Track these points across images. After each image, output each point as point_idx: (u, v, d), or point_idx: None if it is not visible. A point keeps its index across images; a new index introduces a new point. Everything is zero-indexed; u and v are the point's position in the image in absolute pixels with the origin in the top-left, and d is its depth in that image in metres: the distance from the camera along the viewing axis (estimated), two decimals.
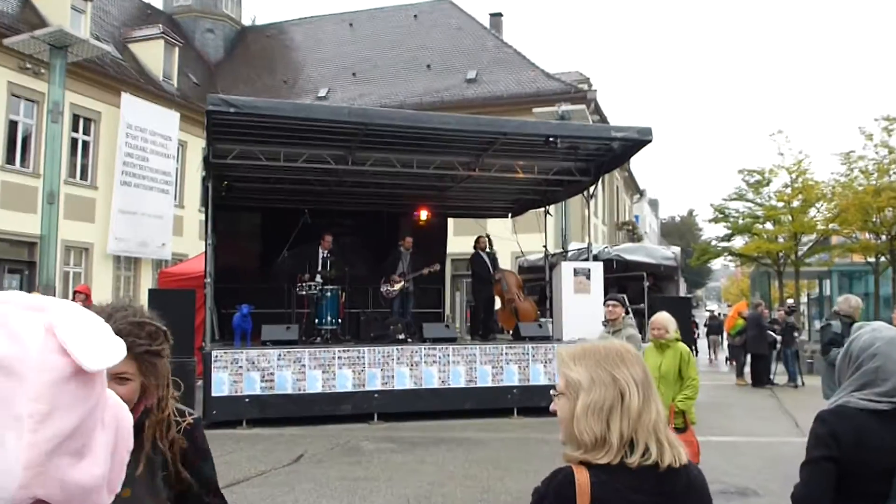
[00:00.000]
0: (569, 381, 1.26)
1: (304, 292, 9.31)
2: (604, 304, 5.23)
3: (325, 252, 9.64)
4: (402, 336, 8.91)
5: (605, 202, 24.84)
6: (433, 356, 8.43)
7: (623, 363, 1.26)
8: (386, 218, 12.02)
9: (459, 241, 13.54)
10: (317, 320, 9.24)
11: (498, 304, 10.84)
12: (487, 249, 10.34)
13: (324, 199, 11.17)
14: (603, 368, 1.25)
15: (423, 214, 11.71)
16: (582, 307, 8.90)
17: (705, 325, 23.11)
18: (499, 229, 12.37)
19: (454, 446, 6.69)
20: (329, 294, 9.11)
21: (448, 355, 8.47)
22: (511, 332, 10.17)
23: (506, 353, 8.67)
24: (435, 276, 10.74)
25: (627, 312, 5.18)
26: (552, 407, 1.29)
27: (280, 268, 9.68)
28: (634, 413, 1.22)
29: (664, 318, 4.43)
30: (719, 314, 24.90)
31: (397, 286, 9.94)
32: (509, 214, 12.89)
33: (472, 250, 10.37)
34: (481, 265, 10.29)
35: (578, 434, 1.22)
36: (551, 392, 1.31)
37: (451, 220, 13.66)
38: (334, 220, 11.57)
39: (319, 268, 9.68)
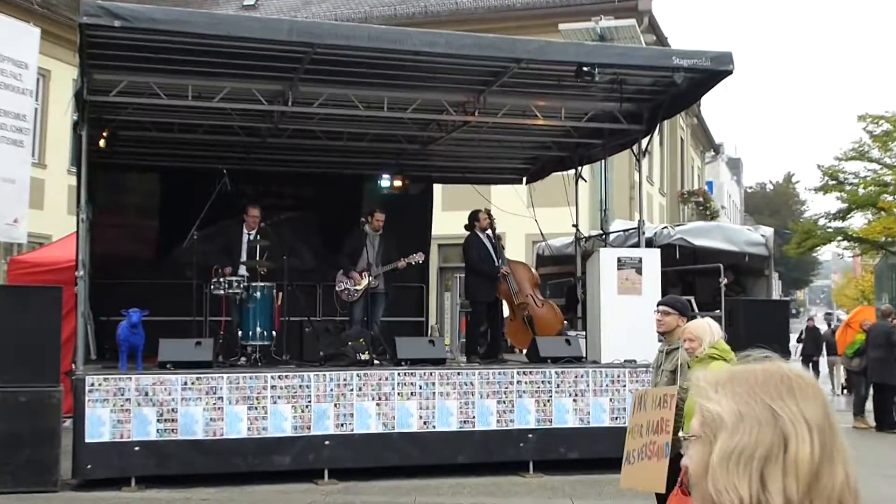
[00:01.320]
0: (706, 417, 1.19)
1: (221, 291, 9.35)
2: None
3: (253, 233, 9.89)
4: (365, 356, 8.96)
5: (665, 162, 24.88)
6: (411, 386, 8.51)
7: (791, 394, 1.17)
8: (343, 184, 12.23)
9: (450, 218, 13.87)
10: (241, 333, 9.36)
11: (506, 310, 10.98)
12: (491, 231, 10.44)
13: (252, 155, 11.35)
14: (758, 400, 1.17)
15: (398, 180, 11.96)
16: (630, 314, 8.98)
17: (800, 340, 21.70)
18: (508, 201, 12.52)
19: None
20: (259, 294, 9.26)
21: (433, 384, 8.57)
22: (525, 351, 10.34)
23: (517, 382, 8.77)
24: (416, 269, 10.96)
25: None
26: (683, 461, 1.22)
27: (186, 256, 9.78)
28: (805, 469, 1.13)
29: (698, 327, 4.69)
30: (831, 323, 23.90)
31: (360, 284, 10.10)
32: (523, 180, 13.06)
33: (469, 232, 10.50)
34: (482, 253, 10.37)
35: (715, 495, 1.13)
36: (681, 436, 1.24)
37: (438, 189, 13.93)
38: (267, 188, 11.88)
39: (244, 256, 9.81)
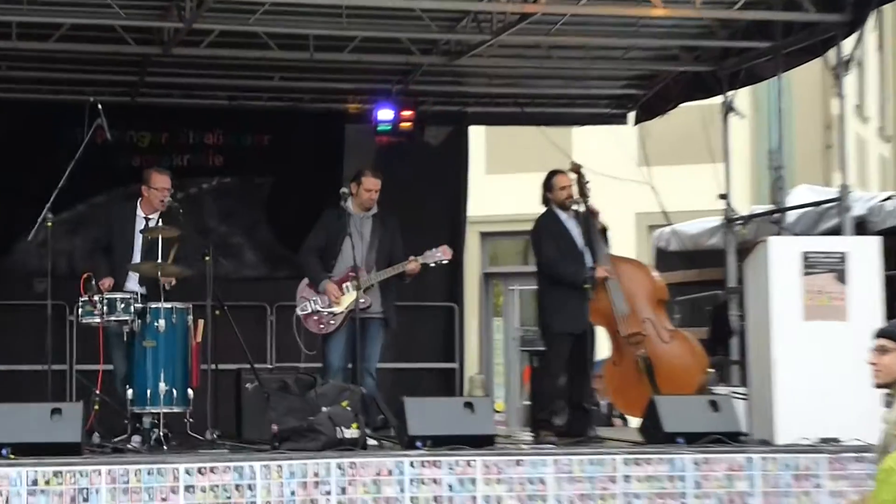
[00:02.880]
0: None
1: (96, 318, 9.12)
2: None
3: (154, 217, 9.66)
4: (351, 432, 8.74)
5: (890, 83, 24.50)
6: (434, 485, 8.28)
7: None
8: (309, 129, 12.75)
9: (501, 186, 13.05)
10: (131, 392, 9.09)
11: (604, 346, 10.82)
12: (581, 206, 10.42)
13: (149, 78, 11.64)
14: None
15: (405, 121, 12.31)
16: (827, 354, 9.04)
17: None
18: (603, 157, 13.09)
19: None
20: (164, 324, 9.11)
21: (471, 482, 8.34)
22: (643, 418, 9.95)
23: (624, 479, 8.56)
24: (440, 274, 11.27)
25: None
26: None
27: (33, 257, 10.28)
28: None
29: None
30: None
31: (341, 303, 9.89)
32: (630, 117, 13.36)
33: (543, 208, 10.52)
34: (563, 246, 10.29)
35: None
36: None
37: (479, 136, 14.90)
38: (176, 136, 12.30)
39: (138, 257, 9.63)
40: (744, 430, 9.27)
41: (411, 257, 9.92)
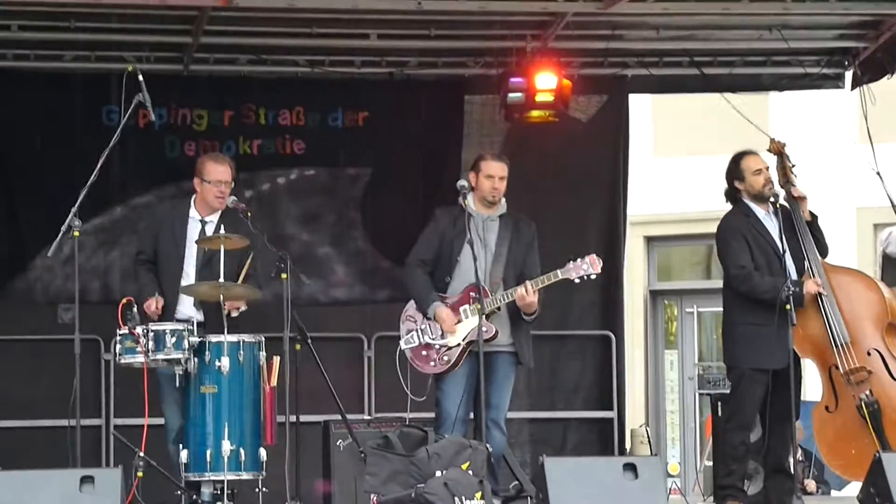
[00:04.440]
0: None
1: (139, 357, 9.21)
2: None
3: (213, 221, 9.86)
4: None
5: None
6: None
7: None
8: (416, 97, 12.91)
9: (674, 173, 12.85)
10: (188, 453, 9.16)
11: (815, 386, 10.90)
12: (784, 199, 10.46)
13: (205, 39, 11.72)
14: None
15: (546, 91, 12.12)
16: None
17: None
18: (811, 133, 13.25)
19: None
20: (228, 364, 9.26)
21: None
22: (865, 482, 9.68)
23: None
24: (590, 290, 11.63)
25: None
26: None
27: (55, 279, 10.35)
28: None
29: None
30: None
31: (455, 332, 9.90)
32: (846, 78, 13.40)
33: (730, 207, 10.58)
34: (759, 252, 10.33)
35: None
36: None
37: (644, 106, 14.65)
38: (240, 113, 12.36)
39: (192, 276, 9.80)
40: None
41: (530, 281, 9.77)
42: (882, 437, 9.89)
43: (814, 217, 10.43)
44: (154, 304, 9.34)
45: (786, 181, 10.41)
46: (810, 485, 12.63)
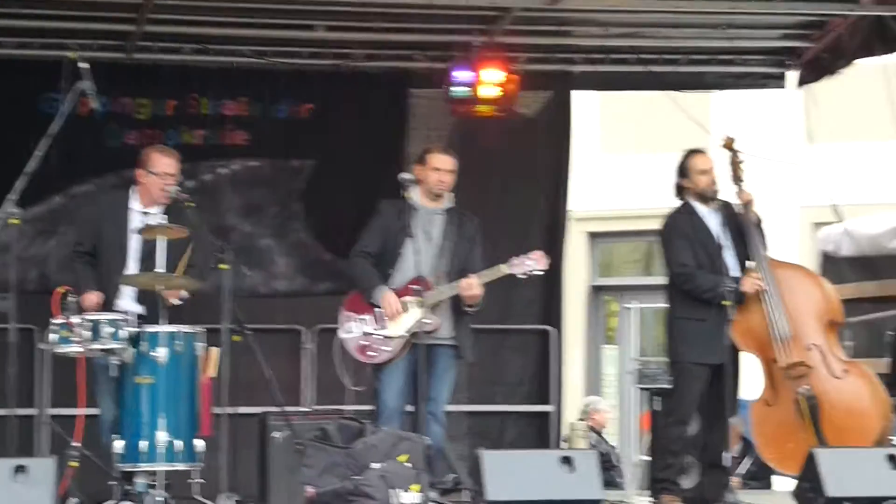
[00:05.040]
0: None
1: (76, 347, 9.12)
2: None
3: (155, 213, 9.75)
4: (409, 498, 8.73)
5: None
6: None
7: None
8: (363, 93, 12.94)
9: (615, 168, 12.97)
10: (124, 444, 9.08)
11: (754, 381, 10.81)
12: (735, 200, 10.56)
13: (150, 28, 11.71)
14: None
15: (490, 83, 12.32)
16: None
17: None
18: (754, 132, 13.29)
19: None
20: (166, 354, 9.19)
21: None
22: (799, 477, 9.75)
23: None
24: (533, 286, 11.75)
25: None
26: None
27: None
28: None
29: None
30: None
31: (398, 323, 9.93)
32: (787, 76, 13.62)
33: (675, 201, 10.68)
34: (701, 249, 10.47)
35: None
36: None
37: (591, 103, 14.85)
38: (184, 103, 12.41)
39: (134, 266, 9.72)
40: None
41: (475, 274, 9.78)
42: (819, 432, 9.98)
43: (759, 220, 10.51)
44: (92, 299, 9.31)
45: (736, 178, 10.45)
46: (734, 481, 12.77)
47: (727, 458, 10.53)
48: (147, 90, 12.32)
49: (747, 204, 10.43)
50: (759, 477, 13.28)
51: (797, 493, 9.48)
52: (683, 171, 10.43)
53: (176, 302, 9.45)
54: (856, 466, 9.21)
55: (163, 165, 9.63)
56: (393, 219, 10.01)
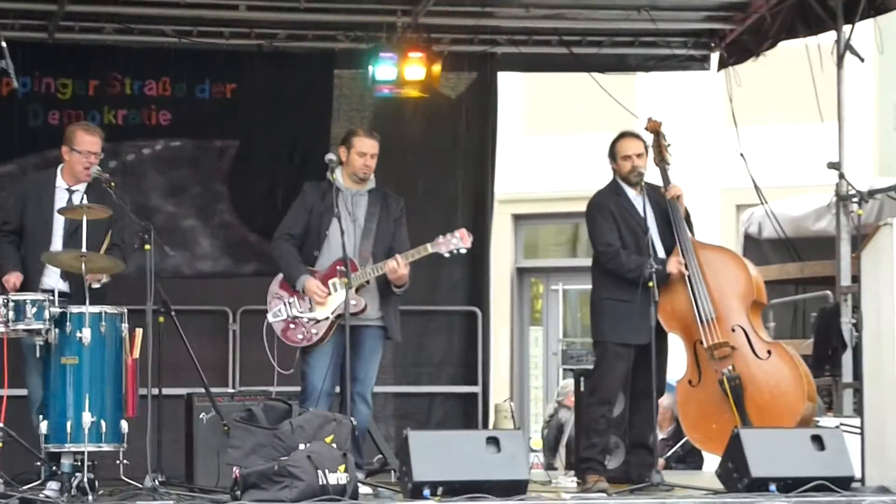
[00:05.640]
0: None
1: None
2: None
3: (78, 191, 9.80)
4: (338, 476, 8.69)
5: None
6: None
7: None
8: (285, 71, 12.94)
9: (540, 149, 12.98)
10: (48, 425, 9.02)
11: (680, 362, 10.90)
12: (642, 171, 10.50)
13: (71, 5, 11.55)
14: None
15: (415, 63, 12.33)
16: None
17: None
18: (677, 114, 13.20)
19: None
20: (89, 335, 9.11)
21: None
22: (723, 457, 9.87)
23: None
24: (459, 266, 11.85)
25: None
26: None
27: None
28: None
29: None
30: None
31: (325, 304, 9.91)
32: (710, 58, 13.73)
33: (599, 182, 10.72)
34: (627, 231, 10.50)
35: None
36: None
37: (515, 84, 14.86)
38: (105, 83, 12.33)
39: (56, 243, 9.76)
40: (856, 474, 9.33)
41: (400, 255, 9.76)
42: (743, 412, 10.05)
43: (688, 214, 10.58)
44: (14, 279, 9.26)
45: (661, 159, 10.51)
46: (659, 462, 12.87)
47: (652, 439, 10.56)
48: (69, 70, 12.20)
49: (677, 198, 10.45)
50: (691, 457, 13.37)
51: (721, 473, 9.59)
52: (611, 152, 10.47)
53: (96, 285, 9.33)
54: (780, 447, 9.28)
55: (86, 143, 9.61)
56: (317, 200, 10.00)
